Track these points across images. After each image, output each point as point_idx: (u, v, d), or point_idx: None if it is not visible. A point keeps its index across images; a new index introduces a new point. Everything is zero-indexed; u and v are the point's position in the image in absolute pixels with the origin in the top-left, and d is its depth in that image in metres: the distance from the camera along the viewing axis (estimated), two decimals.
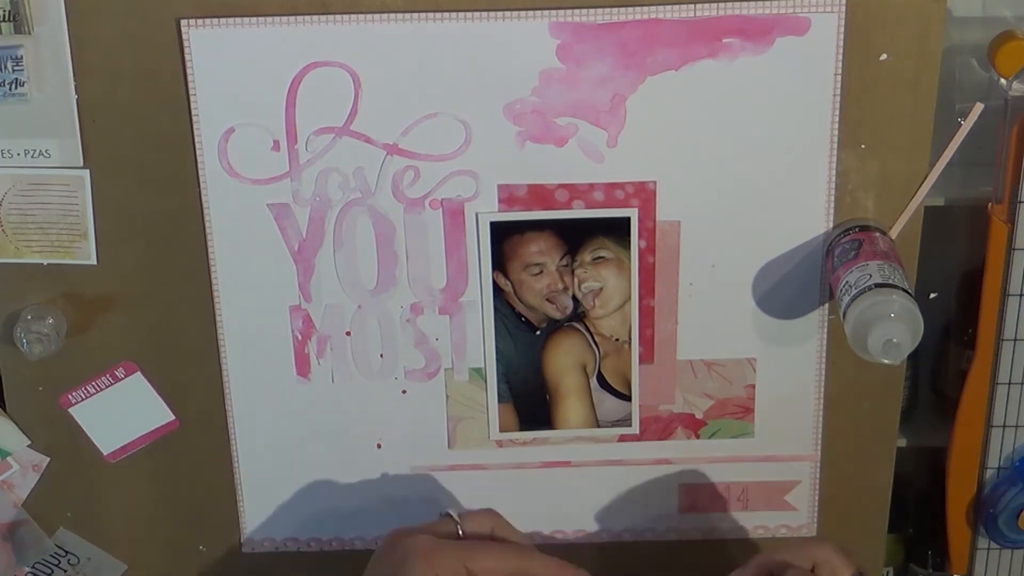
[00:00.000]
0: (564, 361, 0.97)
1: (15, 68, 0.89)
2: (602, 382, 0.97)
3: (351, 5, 0.88)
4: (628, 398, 0.98)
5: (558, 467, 1.00)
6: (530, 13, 0.87)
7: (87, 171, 0.92)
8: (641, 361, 0.96)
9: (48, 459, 1.01)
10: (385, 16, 0.88)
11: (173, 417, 0.99)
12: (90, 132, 0.91)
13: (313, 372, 0.97)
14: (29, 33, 0.88)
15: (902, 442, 1.03)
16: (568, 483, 1.00)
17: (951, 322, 1.05)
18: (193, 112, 0.90)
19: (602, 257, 0.94)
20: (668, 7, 0.87)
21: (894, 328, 0.84)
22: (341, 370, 0.97)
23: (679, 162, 0.91)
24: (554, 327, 0.96)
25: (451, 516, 0.86)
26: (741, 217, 0.92)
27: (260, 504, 1.01)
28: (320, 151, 0.91)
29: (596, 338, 0.96)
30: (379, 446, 0.99)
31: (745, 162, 0.91)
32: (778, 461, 0.99)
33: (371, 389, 0.98)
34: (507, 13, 0.87)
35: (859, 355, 0.86)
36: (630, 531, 1.02)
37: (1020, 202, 0.92)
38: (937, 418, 1.06)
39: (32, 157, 0.92)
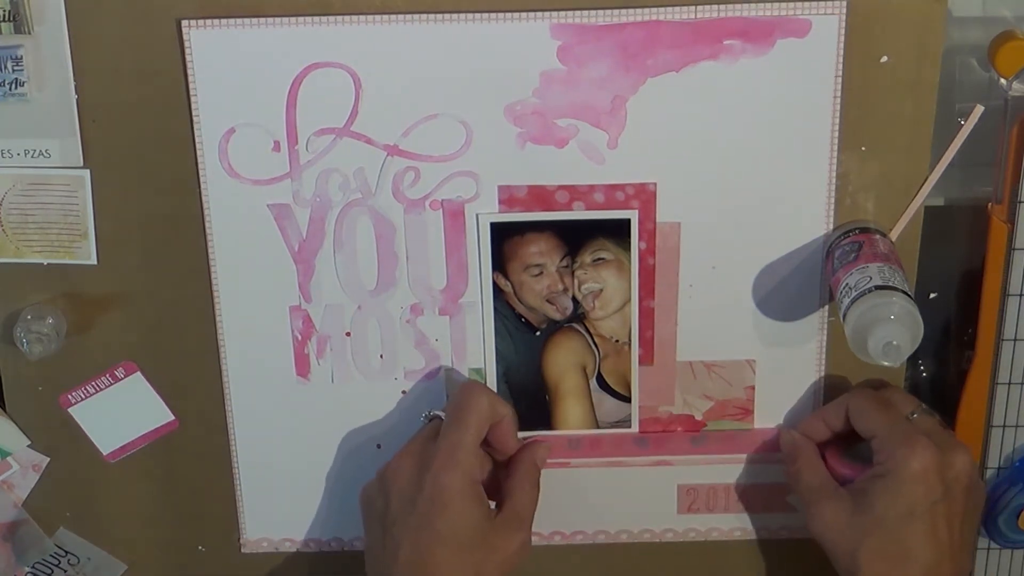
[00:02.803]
0: (564, 362, 0.96)
1: (15, 68, 0.89)
2: (602, 383, 0.97)
3: (351, 6, 0.88)
4: (628, 399, 0.98)
5: (558, 467, 1.00)
6: (531, 14, 0.87)
7: (87, 171, 0.92)
8: (641, 362, 0.96)
9: (48, 459, 1.01)
10: (385, 16, 0.88)
11: (173, 417, 0.99)
12: (90, 132, 0.91)
13: (313, 372, 0.97)
14: (29, 33, 0.88)
15: None
16: (567, 483, 1.00)
17: (951, 322, 1.05)
18: (193, 112, 0.90)
19: (602, 258, 0.94)
20: (669, 9, 0.87)
21: (894, 330, 0.84)
22: (341, 370, 0.97)
23: (679, 164, 0.91)
24: (554, 328, 0.96)
25: (440, 417, 0.93)
26: (741, 219, 0.92)
27: (259, 504, 1.01)
28: (320, 152, 0.91)
29: (596, 339, 0.96)
30: (379, 446, 0.99)
31: (745, 164, 0.91)
32: (778, 463, 0.98)
33: (371, 389, 0.98)
34: (508, 14, 0.87)
35: (859, 357, 0.86)
36: (628, 532, 1.02)
37: (1020, 202, 0.92)
38: None
39: (32, 157, 0.92)
